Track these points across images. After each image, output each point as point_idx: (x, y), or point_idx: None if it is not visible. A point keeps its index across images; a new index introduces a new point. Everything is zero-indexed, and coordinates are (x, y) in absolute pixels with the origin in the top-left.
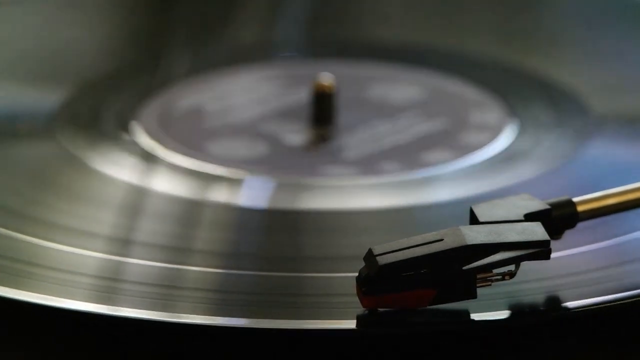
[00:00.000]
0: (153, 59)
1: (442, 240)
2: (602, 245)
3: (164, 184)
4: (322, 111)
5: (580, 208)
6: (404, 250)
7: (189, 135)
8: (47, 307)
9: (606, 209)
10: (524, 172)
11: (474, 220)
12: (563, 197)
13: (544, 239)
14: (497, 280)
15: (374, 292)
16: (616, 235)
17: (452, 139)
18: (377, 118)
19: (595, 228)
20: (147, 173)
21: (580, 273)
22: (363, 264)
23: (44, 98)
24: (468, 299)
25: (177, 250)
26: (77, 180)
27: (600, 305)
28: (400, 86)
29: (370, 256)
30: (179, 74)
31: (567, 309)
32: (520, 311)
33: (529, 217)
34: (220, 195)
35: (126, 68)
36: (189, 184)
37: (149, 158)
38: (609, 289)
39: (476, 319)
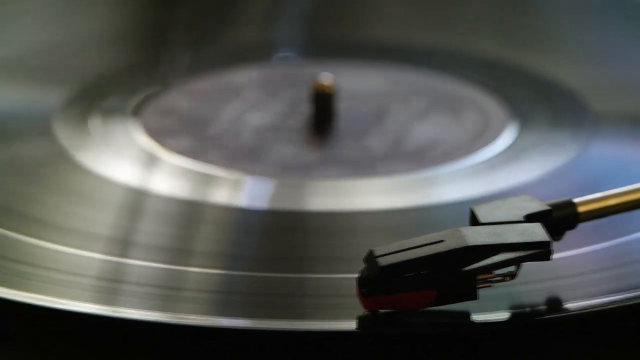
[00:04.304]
0: (153, 59)
1: (442, 241)
2: (602, 246)
3: (164, 184)
4: (322, 111)
5: (580, 209)
6: (405, 252)
7: (188, 136)
8: (47, 308)
9: (607, 210)
10: (524, 172)
11: (474, 221)
12: (563, 198)
13: (545, 240)
14: (498, 281)
15: (374, 294)
16: (617, 236)
17: (452, 140)
18: (377, 118)
19: (595, 229)
20: (147, 173)
21: (580, 274)
22: (363, 265)
23: (44, 98)
24: (469, 300)
25: (178, 251)
26: (77, 180)
27: (601, 307)
28: (399, 86)
29: (370, 257)
30: (179, 74)
31: (567, 310)
32: (520, 312)
33: (530, 218)
34: (220, 195)
35: (126, 68)
36: (189, 185)
37: (148, 158)
38: (609, 290)
39: (477, 320)
